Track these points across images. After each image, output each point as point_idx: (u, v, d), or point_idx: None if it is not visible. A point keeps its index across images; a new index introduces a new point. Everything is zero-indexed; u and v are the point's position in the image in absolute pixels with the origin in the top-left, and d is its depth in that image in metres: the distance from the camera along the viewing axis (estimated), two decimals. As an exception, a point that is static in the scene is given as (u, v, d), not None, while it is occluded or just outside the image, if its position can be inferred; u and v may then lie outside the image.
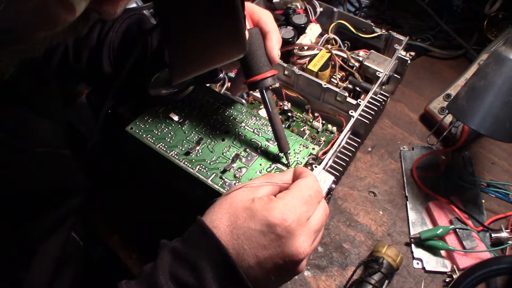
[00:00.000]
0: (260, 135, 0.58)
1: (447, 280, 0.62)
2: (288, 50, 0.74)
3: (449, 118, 0.75)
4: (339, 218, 0.69)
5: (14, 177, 0.40)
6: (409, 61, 0.74)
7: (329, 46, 0.75)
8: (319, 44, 0.76)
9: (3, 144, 0.38)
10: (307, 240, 0.39)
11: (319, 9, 0.79)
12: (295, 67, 0.69)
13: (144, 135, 0.57)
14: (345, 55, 0.74)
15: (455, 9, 1.04)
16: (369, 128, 0.77)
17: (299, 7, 0.79)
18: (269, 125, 0.54)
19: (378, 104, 0.68)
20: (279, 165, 0.55)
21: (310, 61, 0.72)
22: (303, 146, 0.57)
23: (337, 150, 0.64)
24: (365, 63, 0.71)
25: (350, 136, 0.68)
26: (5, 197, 0.38)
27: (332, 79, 0.74)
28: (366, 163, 0.76)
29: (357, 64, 0.73)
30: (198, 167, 0.54)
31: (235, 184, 0.52)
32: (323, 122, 0.70)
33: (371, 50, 0.74)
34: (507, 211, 0.69)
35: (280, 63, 0.69)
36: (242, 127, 0.59)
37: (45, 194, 0.45)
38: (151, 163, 0.66)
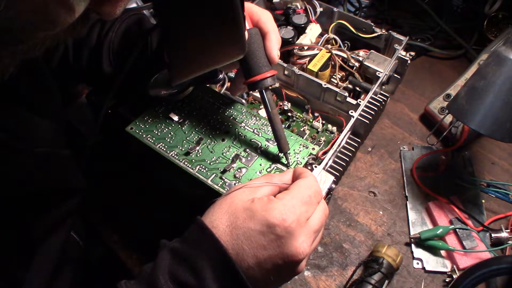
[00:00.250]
0: (260, 135, 0.58)
1: (447, 280, 0.62)
2: (288, 50, 0.74)
3: (449, 118, 0.75)
4: (339, 218, 0.69)
5: (13, 177, 0.40)
6: (409, 61, 0.74)
7: (329, 46, 0.75)
8: (319, 44, 0.76)
9: (3, 144, 0.38)
10: (307, 240, 0.39)
11: (319, 9, 0.79)
12: (295, 67, 0.69)
13: (144, 135, 0.57)
14: (345, 55, 0.74)
15: (455, 9, 1.04)
16: (369, 128, 0.77)
17: (299, 7, 0.79)
18: (269, 125, 0.54)
19: (378, 104, 0.68)
20: (279, 165, 0.55)
21: (310, 61, 0.72)
22: (303, 146, 0.57)
23: (337, 150, 0.64)
24: (365, 63, 0.71)
25: (350, 136, 0.68)
26: (4, 197, 0.38)
27: (332, 79, 0.74)
28: (366, 163, 0.76)
29: (357, 64, 0.73)
30: (198, 167, 0.54)
31: (235, 184, 0.52)
32: (323, 122, 0.70)
33: (371, 50, 0.74)
34: (507, 211, 0.69)
35: (280, 63, 0.69)
36: (242, 127, 0.59)
37: (45, 194, 0.45)
38: (151, 163, 0.66)
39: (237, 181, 0.53)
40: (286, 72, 0.70)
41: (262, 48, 0.51)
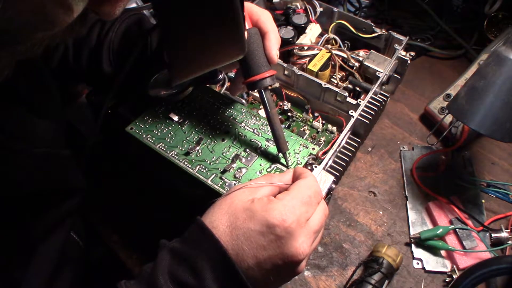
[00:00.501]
0: (260, 135, 0.58)
1: (447, 280, 0.62)
2: (288, 50, 0.74)
3: (449, 118, 0.75)
4: (339, 218, 0.69)
5: (13, 177, 0.40)
6: (409, 61, 0.74)
7: (329, 46, 0.75)
8: (319, 44, 0.76)
9: (2, 144, 0.38)
10: (307, 240, 0.39)
11: (319, 9, 0.79)
12: (295, 67, 0.69)
13: (144, 135, 0.57)
14: (345, 55, 0.74)
15: (455, 9, 1.04)
16: (369, 128, 0.77)
17: (299, 7, 0.79)
18: (269, 125, 0.54)
19: (378, 104, 0.68)
20: (279, 166, 0.55)
21: (310, 61, 0.72)
22: (303, 146, 0.57)
23: (337, 150, 0.64)
24: (365, 63, 0.71)
25: (350, 136, 0.68)
26: (4, 197, 0.38)
27: (332, 79, 0.74)
28: (366, 163, 0.76)
29: (357, 64, 0.73)
30: (198, 167, 0.54)
31: (235, 184, 0.52)
32: (323, 122, 0.70)
33: (371, 50, 0.74)
34: (507, 211, 0.69)
35: (280, 63, 0.69)
36: (242, 127, 0.59)
37: (45, 194, 0.45)
38: (151, 163, 0.66)
39: (237, 181, 0.53)
40: (286, 72, 0.70)
41: (261, 48, 0.51)
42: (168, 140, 0.57)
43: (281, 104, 0.71)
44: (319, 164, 0.56)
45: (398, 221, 0.69)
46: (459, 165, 0.74)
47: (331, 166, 0.64)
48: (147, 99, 0.59)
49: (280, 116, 0.70)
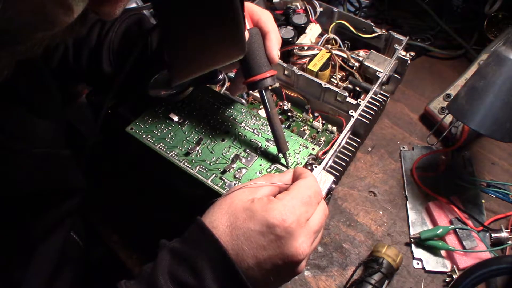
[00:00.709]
0: (260, 135, 0.58)
1: (447, 280, 0.62)
2: (288, 50, 0.74)
3: (449, 118, 0.75)
4: (339, 218, 0.69)
5: (13, 177, 0.40)
6: (409, 61, 0.74)
7: (329, 46, 0.75)
8: (319, 44, 0.76)
9: (2, 145, 0.38)
10: (307, 240, 0.39)
11: (319, 9, 0.79)
12: (295, 67, 0.69)
13: (144, 136, 0.57)
14: (345, 55, 0.74)
15: (455, 9, 1.04)
16: (369, 128, 0.77)
17: (299, 7, 0.79)
18: (269, 125, 0.54)
19: (378, 104, 0.68)
20: (279, 166, 0.55)
21: (310, 61, 0.72)
22: (303, 146, 0.57)
23: (337, 150, 0.64)
24: (365, 63, 0.71)
25: (350, 136, 0.68)
26: (4, 197, 0.38)
27: (332, 79, 0.74)
28: (366, 163, 0.76)
29: (357, 64, 0.73)
30: (198, 167, 0.54)
31: (235, 184, 0.52)
32: (323, 122, 0.70)
33: (371, 50, 0.74)
34: (507, 211, 0.69)
35: (280, 63, 0.69)
36: (242, 127, 0.59)
37: (44, 194, 0.45)
38: (151, 163, 0.66)
39: (237, 182, 0.53)
40: (286, 72, 0.70)
41: (262, 48, 0.51)
42: (168, 140, 0.57)
43: (281, 104, 0.71)
44: (319, 164, 0.56)
45: (398, 221, 0.69)
46: (459, 165, 0.74)
47: (331, 166, 0.64)
48: (147, 99, 0.59)
49: (280, 116, 0.70)
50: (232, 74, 0.74)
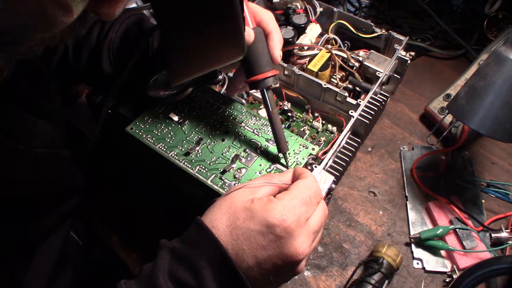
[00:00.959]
0: (260, 135, 0.58)
1: (447, 280, 0.62)
2: (288, 50, 0.73)
3: (449, 118, 0.75)
4: (339, 218, 0.69)
5: (13, 177, 0.40)
6: (409, 61, 0.74)
7: (329, 46, 0.75)
8: (319, 44, 0.76)
9: (2, 145, 0.38)
10: (306, 240, 0.39)
11: (319, 9, 0.79)
12: (295, 67, 0.69)
13: (144, 135, 0.57)
14: (345, 55, 0.74)
15: (455, 9, 1.04)
16: (369, 128, 0.77)
17: (299, 7, 0.79)
18: (269, 125, 0.54)
19: (378, 104, 0.68)
20: (278, 166, 0.55)
21: (310, 61, 0.72)
22: (303, 146, 0.57)
23: (337, 150, 0.64)
24: (365, 63, 0.71)
25: (350, 136, 0.68)
26: (4, 197, 0.38)
27: (332, 79, 0.74)
28: (366, 163, 0.76)
29: (357, 64, 0.73)
30: (198, 167, 0.54)
31: (234, 184, 0.52)
32: (323, 122, 0.70)
33: (371, 50, 0.74)
34: (507, 211, 0.69)
35: (280, 63, 0.69)
36: (242, 127, 0.59)
37: (44, 194, 0.45)
38: (151, 163, 0.66)
39: (237, 182, 0.53)
40: (286, 72, 0.70)
41: (265, 47, 0.51)
42: (168, 140, 0.57)
43: (281, 104, 0.71)
44: (319, 164, 0.56)
45: (398, 221, 0.69)
46: (459, 165, 0.74)
47: (331, 166, 0.64)
48: (147, 99, 0.59)
49: (280, 116, 0.70)
50: (232, 74, 0.74)
